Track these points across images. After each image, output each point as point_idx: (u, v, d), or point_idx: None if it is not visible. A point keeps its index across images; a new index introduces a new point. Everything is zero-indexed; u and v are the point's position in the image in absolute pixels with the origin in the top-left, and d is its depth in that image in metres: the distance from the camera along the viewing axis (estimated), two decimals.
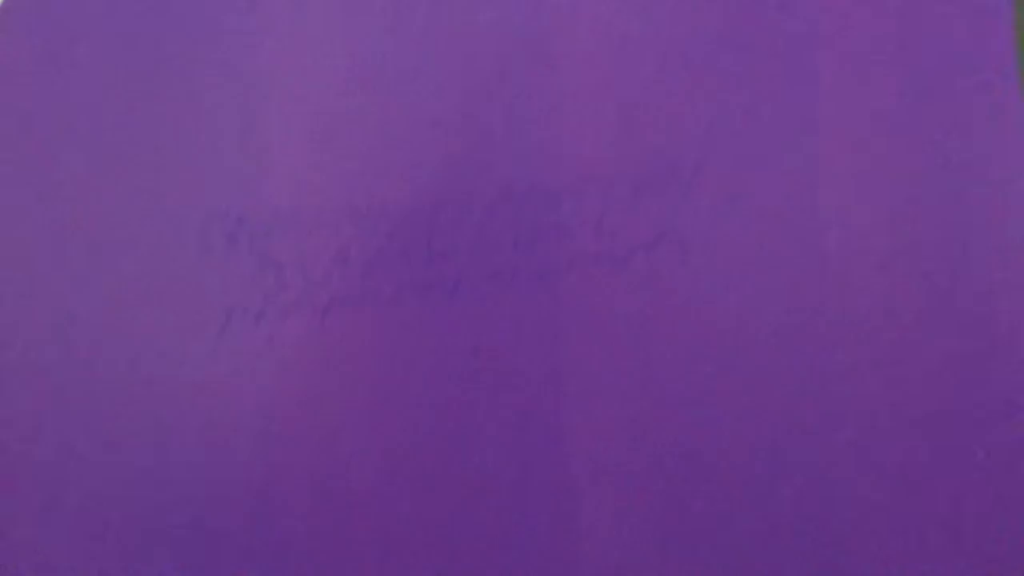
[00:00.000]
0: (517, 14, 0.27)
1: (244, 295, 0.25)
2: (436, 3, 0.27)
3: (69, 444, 0.25)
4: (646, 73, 0.27)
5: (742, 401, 0.27)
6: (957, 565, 0.25)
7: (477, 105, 0.27)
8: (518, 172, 0.27)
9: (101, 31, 0.26)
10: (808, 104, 0.28)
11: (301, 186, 0.26)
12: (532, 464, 0.26)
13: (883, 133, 0.29)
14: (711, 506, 0.26)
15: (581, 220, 0.27)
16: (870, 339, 0.26)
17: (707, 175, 0.27)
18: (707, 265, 0.27)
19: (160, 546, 0.25)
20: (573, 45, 0.27)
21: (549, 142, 0.27)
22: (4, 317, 0.25)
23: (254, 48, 0.26)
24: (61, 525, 0.25)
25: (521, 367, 0.26)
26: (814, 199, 0.28)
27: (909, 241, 0.27)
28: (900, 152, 0.28)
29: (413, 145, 0.26)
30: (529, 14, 0.27)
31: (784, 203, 0.27)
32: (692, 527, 0.26)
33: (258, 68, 0.26)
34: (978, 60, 0.27)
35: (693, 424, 0.27)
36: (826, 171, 0.28)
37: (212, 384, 0.25)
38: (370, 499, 0.26)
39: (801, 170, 0.28)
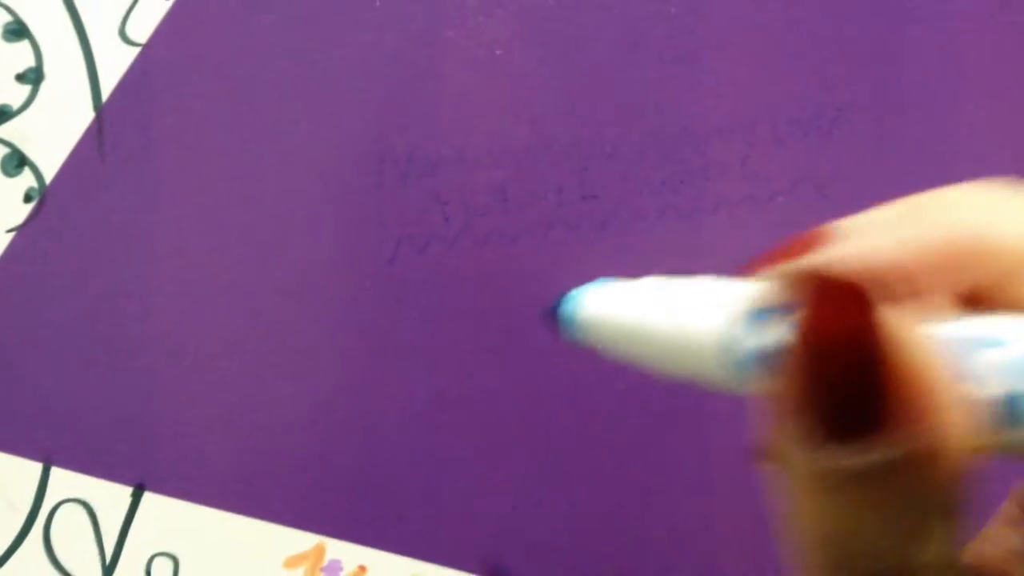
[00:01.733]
0: None
1: (412, 227, 0.27)
2: None
3: (249, 356, 0.27)
4: (791, 19, 0.28)
5: None
6: None
7: (629, 54, 0.28)
8: (667, 117, 0.28)
9: None
10: (949, 52, 0.28)
11: (466, 128, 0.27)
12: (675, 391, 0.28)
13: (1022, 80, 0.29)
14: None
15: (726, 163, 0.28)
16: None
17: (848, 121, 0.28)
18: (844, 211, 0.28)
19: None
20: None
21: (697, 88, 0.28)
22: (182, 240, 0.27)
23: None
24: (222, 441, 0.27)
25: None
26: (954, 146, 0.29)
27: None
28: None
29: (569, 90, 0.28)
30: None
31: (923, 150, 0.28)
32: None
33: (428, 14, 0.28)
34: None
35: None
36: (966, 118, 0.29)
37: (382, 307, 0.27)
38: (540, 422, 0.28)
39: (941, 117, 0.29)
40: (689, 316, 0.15)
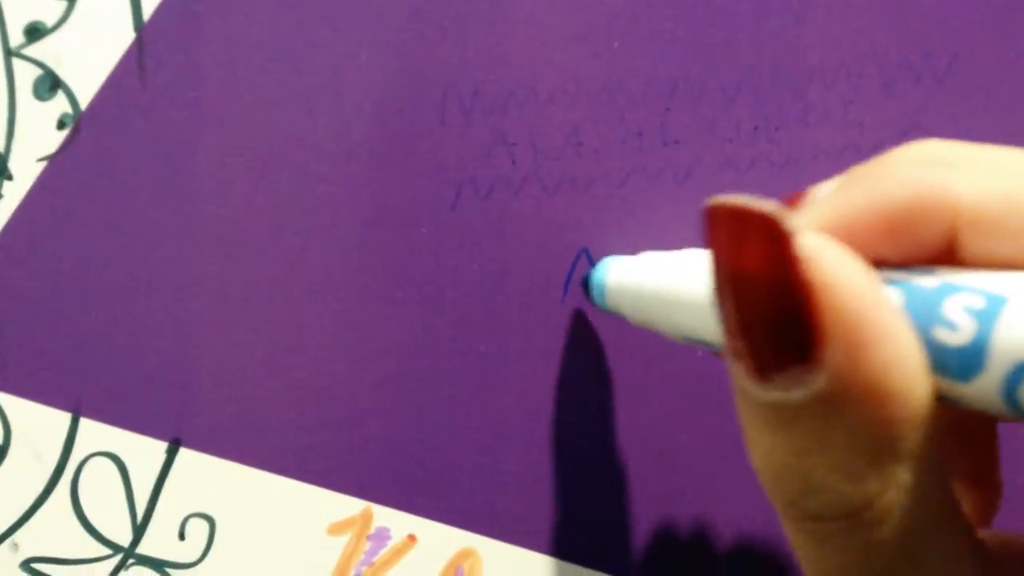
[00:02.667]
0: None
1: (476, 170, 0.25)
2: None
3: (296, 306, 0.25)
4: None
5: None
6: None
7: None
8: (762, 54, 0.25)
9: None
10: None
11: (537, 62, 0.25)
12: None
13: None
14: None
15: (827, 108, 0.25)
16: None
17: (963, 69, 0.26)
18: None
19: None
20: None
21: (797, 24, 0.25)
22: (233, 171, 0.25)
23: None
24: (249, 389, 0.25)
25: None
26: None
27: None
28: None
29: (652, 22, 0.25)
30: None
31: None
32: None
33: None
34: None
35: None
36: None
37: (442, 257, 0.25)
38: (609, 387, 0.25)
39: None
40: (692, 282, 0.16)
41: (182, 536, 0.25)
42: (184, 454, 0.25)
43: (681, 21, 0.25)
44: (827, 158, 0.25)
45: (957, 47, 0.25)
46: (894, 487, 0.11)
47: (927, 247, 0.12)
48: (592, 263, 0.25)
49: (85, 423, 0.25)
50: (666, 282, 0.18)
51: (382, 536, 0.25)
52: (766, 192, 0.25)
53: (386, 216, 0.25)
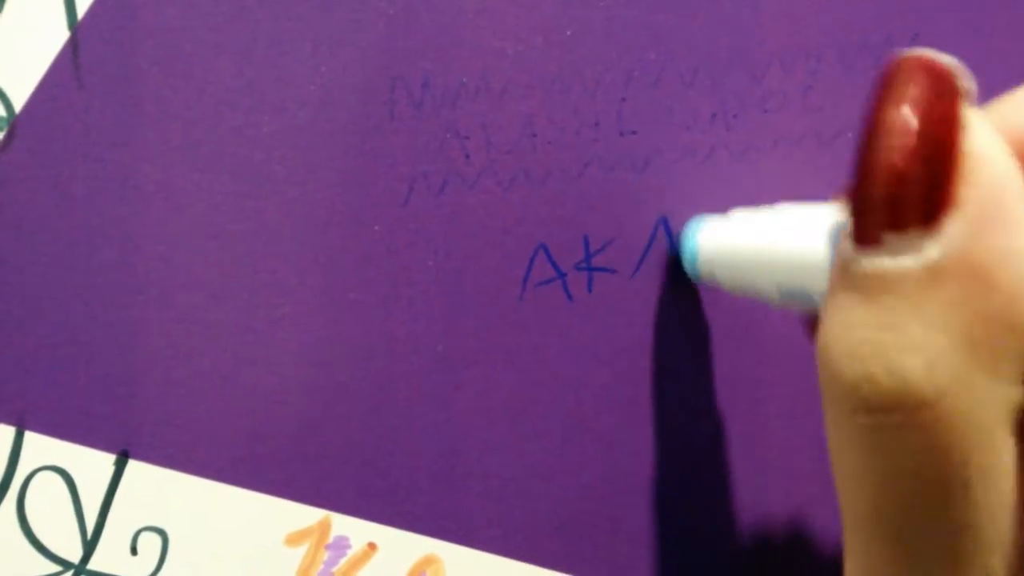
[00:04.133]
0: None
1: (428, 165, 0.24)
2: None
3: (244, 309, 0.24)
4: None
5: None
6: None
7: None
8: (718, 40, 0.25)
9: None
10: None
11: (489, 52, 0.24)
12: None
13: None
14: None
15: (786, 94, 0.25)
16: None
17: (926, 48, 0.25)
18: None
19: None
20: None
21: (754, 8, 0.25)
22: (180, 162, 0.24)
23: None
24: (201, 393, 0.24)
25: None
26: None
27: None
28: None
29: (606, 9, 0.24)
30: None
31: (1009, 83, 0.25)
32: None
33: None
34: None
35: None
36: None
37: (394, 255, 0.24)
38: (568, 384, 0.25)
39: (1022, 47, 0.25)
40: (802, 238, 0.16)
41: (134, 551, 0.24)
42: (134, 466, 0.24)
43: (635, 8, 0.24)
44: (787, 144, 0.25)
45: (919, 28, 0.25)
46: (969, 392, 0.10)
47: None
48: (670, 234, 0.25)
49: (30, 436, 0.24)
50: (764, 236, 0.18)
51: (341, 545, 0.24)
52: (724, 181, 0.25)
53: (336, 214, 0.24)
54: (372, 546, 0.24)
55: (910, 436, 0.11)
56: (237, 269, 0.24)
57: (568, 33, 0.24)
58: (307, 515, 0.24)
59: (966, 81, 0.11)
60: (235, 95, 0.24)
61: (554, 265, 0.24)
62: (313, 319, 0.24)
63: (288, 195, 0.24)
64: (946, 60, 0.11)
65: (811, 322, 0.21)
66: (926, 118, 0.11)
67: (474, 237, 0.24)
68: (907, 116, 0.11)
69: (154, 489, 0.24)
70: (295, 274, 0.24)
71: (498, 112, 0.24)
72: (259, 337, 0.24)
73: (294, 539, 0.24)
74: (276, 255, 0.24)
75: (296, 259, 0.24)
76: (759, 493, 0.25)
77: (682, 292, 0.25)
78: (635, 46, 0.24)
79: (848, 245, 0.11)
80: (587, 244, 0.25)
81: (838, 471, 0.12)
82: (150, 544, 0.24)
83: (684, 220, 0.25)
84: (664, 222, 0.25)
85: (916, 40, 0.25)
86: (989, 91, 0.25)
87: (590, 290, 0.25)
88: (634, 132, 0.25)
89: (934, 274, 0.10)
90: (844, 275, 0.11)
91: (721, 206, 0.24)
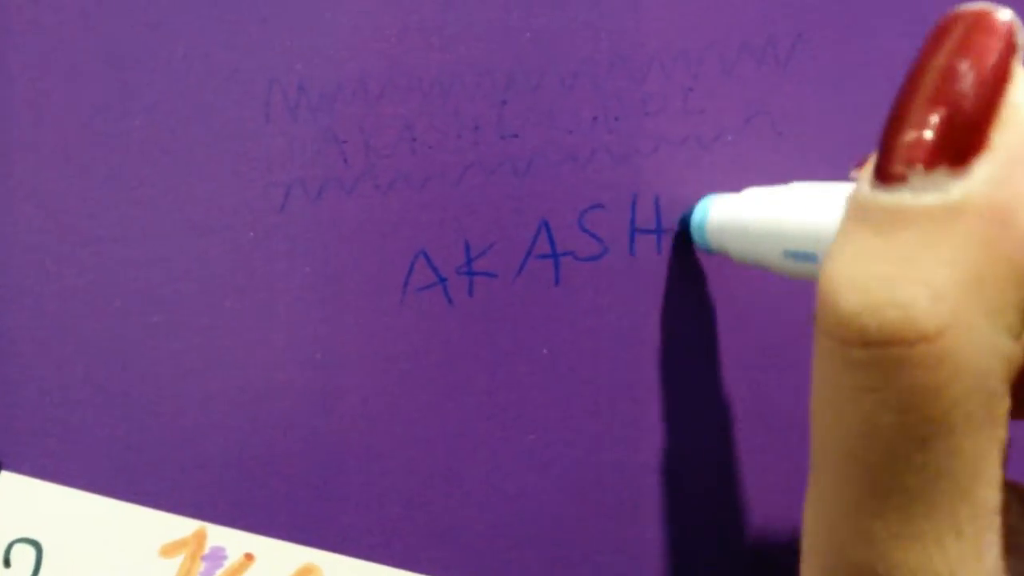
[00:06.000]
0: None
1: (305, 170, 0.24)
2: None
3: (116, 316, 0.24)
4: None
5: None
6: None
7: None
8: (599, 43, 0.24)
9: None
10: None
11: (366, 54, 0.24)
12: (602, 351, 0.25)
13: None
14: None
15: (666, 97, 0.24)
16: None
17: (807, 50, 0.25)
18: (801, 151, 0.25)
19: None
20: None
21: (635, 10, 0.24)
22: (60, 187, 0.23)
23: None
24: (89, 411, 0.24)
25: (597, 254, 0.25)
26: None
27: None
28: None
29: (485, 12, 0.24)
30: None
31: (891, 81, 0.25)
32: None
33: None
34: None
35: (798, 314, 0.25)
36: None
37: (270, 263, 0.24)
38: (452, 391, 0.24)
39: (909, 45, 0.25)
40: (814, 207, 0.18)
41: (7, 563, 0.24)
42: (6, 477, 0.24)
43: (515, 10, 0.24)
44: (669, 147, 0.25)
45: (801, 29, 0.25)
46: (968, 333, 0.10)
47: None
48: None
49: None
50: (772, 208, 0.19)
51: (217, 556, 0.24)
52: (608, 184, 0.25)
53: (210, 220, 0.24)
54: (249, 557, 0.24)
55: (903, 373, 0.11)
56: (109, 276, 0.23)
57: (447, 35, 0.24)
58: (182, 526, 0.24)
59: (1021, 37, 0.11)
60: (107, 98, 0.23)
61: (434, 270, 0.24)
62: (187, 327, 0.24)
63: (161, 200, 0.24)
64: (1005, 14, 0.11)
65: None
66: (978, 64, 0.11)
67: (353, 243, 0.24)
68: (958, 61, 0.11)
69: (27, 500, 0.24)
70: (168, 281, 0.24)
71: (376, 115, 0.24)
72: (131, 345, 0.24)
73: (169, 550, 0.24)
74: (149, 261, 0.24)
75: (169, 266, 0.24)
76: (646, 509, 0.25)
77: (568, 294, 0.25)
78: (515, 49, 0.24)
79: (866, 185, 0.11)
80: (468, 248, 0.24)
81: (817, 410, 0.12)
82: (23, 556, 0.24)
83: (565, 223, 0.24)
84: (545, 225, 0.24)
85: (799, 41, 0.25)
86: (871, 90, 0.25)
87: (471, 294, 0.24)
88: (515, 135, 0.24)
89: (953, 213, 0.10)
90: (858, 211, 0.11)
91: (606, 208, 0.24)
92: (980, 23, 0.11)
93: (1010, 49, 0.11)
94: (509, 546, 0.25)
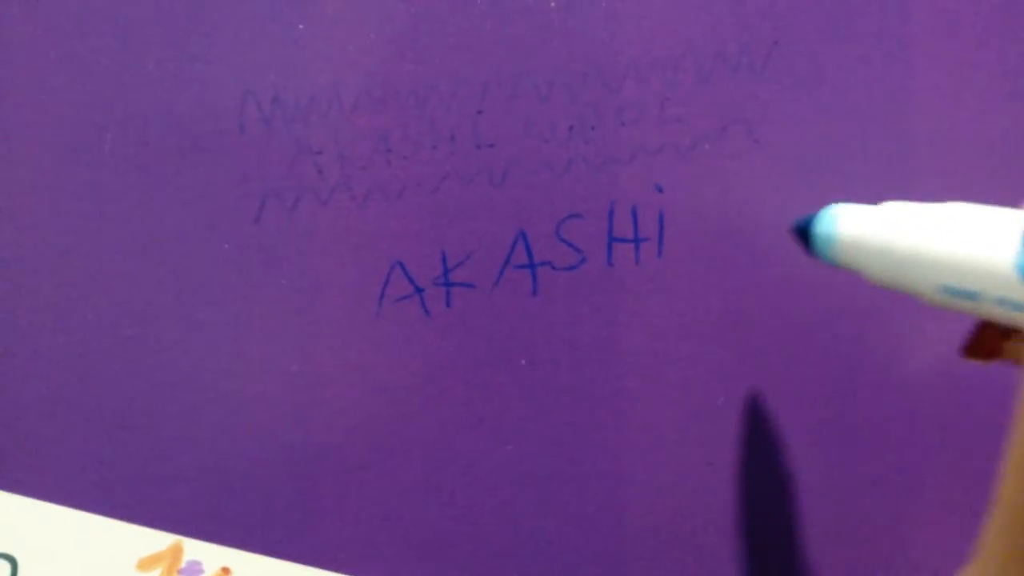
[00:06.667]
0: None
1: (280, 181, 0.24)
2: None
3: (91, 329, 0.24)
4: None
5: (818, 290, 0.25)
6: None
7: None
8: (574, 53, 0.24)
9: None
10: None
11: (340, 66, 0.24)
12: (585, 360, 0.25)
13: (974, 24, 0.26)
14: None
15: (643, 106, 0.24)
16: None
17: (782, 57, 0.25)
18: (778, 158, 0.25)
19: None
20: None
21: (610, 19, 0.24)
22: (32, 201, 0.23)
23: None
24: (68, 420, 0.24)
25: (574, 264, 0.24)
26: (897, 84, 0.25)
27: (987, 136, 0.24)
28: (988, 43, 0.25)
29: (460, 23, 0.24)
30: None
31: (864, 88, 0.25)
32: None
33: None
34: None
35: (773, 317, 0.25)
36: (911, 51, 0.25)
37: (246, 273, 0.24)
38: (429, 405, 0.24)
39: (884, 51, 0.25)
40: (980, 238, 0.16)
41: None
42: None
43: (489, 20, 0.24)
44: (645, 156, 0.24)
45: (776, 37, 0.25)
46: None
47: None
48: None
49: None
50: (930, 233, 0.17)
51: (194, 570, 0.24)
52: (585, 194, 0.25)
53: (184, 232, 0.24)
54: (226, 571, 0.24)
55: None
56: (83, 289, 0.23)
57: (421, 46, 0.24)
58: (159, 540, 0.24)
59: None
60: (80, 111, 0.23)
61: (411, 281, 0.24)
62: (162, 340, 0.24)
63: (134, 214, 0.23)
64: None
65: (979, 330, 0.20)
66: None
67: (328, 254, 0.24)
68: None
69: (3, 515, 0.24)
70: (142, 294, 0.23)
71: (351, 126, 0.24)
72: (107, 359, 0.23)
73: (146, 564, 0.24)
74: (122, 275, 0.23)
75: (143, 278, 0.23)
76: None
77: (546, 304, 0.24)
78: (490, 60, 0.24)
79: None
80: (445, 259, 0.24)
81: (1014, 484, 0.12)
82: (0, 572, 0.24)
83: (542, 233, 0.24)
84: (523, 235, 0.24)
85: (774, 48, 0.25)
86: (846, 96, 0.25)
87: (448, 305, 0.24)
88: (491, 145, 0.24)
89: None
90: None
91: (584, 217, 0.24)
92: None
93: None
94: (488, 556, 0.25)
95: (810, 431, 0.26)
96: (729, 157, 0.25)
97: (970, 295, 0.16)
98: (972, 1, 0.25)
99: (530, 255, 0.24)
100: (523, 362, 0.24)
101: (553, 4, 0.24)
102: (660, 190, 0.25)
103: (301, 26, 0.24)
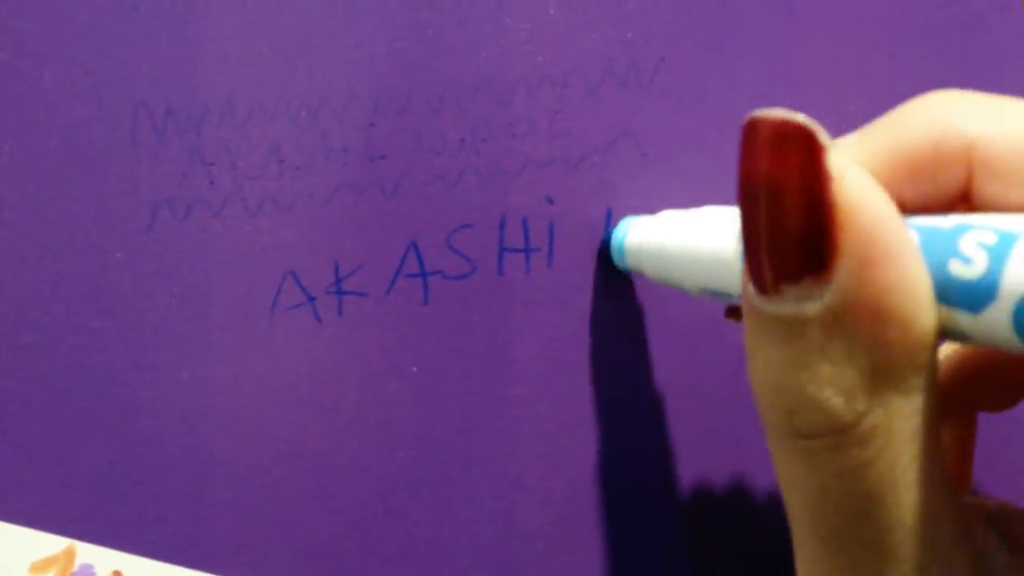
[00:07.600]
0: None
1: (172, 191, 0.24)
2: None
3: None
4: None
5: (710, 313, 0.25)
6: None
7: None
8: (465, 66, 0.25)
9: None
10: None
11: (233, 77, 0.24)
12: (489, 373, 0.25)
13: (859, 33, 0.26)
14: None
15: (533, 119, 0.25)
16: None
17: (670, 73, 0.25)
18: (666, 171, 0.25)
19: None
20: None
21: (500, 35, 0.25)
22: None
23: None
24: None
25: (465, 273, 0.25)
26: (785, 98, 0.26)
27: None
28: (880, 46, 0.26)
29: (351, 35, 0.24)
30: None
31: (752, 102, 0.25)
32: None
33: None
34: None
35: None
36: (797, 67, 0.26)
37: (137, 284, 0.24)
38: (319, 412, 0.25)
39: (772, 66, 0.26)
40: (717, 242, 0.18)
41: None
42: None
43: (381, 33, 0.24)
44: (535, 168, 0.25)
45: (664, 52, 0.25)
46: (884, 409, 0.11)
47: (944, 191, 0.13)
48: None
49: None
50: (686, 238, 0.19)
51: (86, 573, 0.24)
52: (475, 205, 0.25)
53: (77, 241, 0.24)
54: (117, 574, 0.24)
55: (838, 454, 0.12)
56: None
57: (314, 58, 0.24)
58: (52, 543, 0.24)
59: (824, 136, 0.11)
60: None
61: (303, 290, 0.25)
62: (54, 346, 0.24)
63: (27, 222, 0.24)
64: (800, 118, 0.11)
65: (730, 309, 0.22)
66: (790, 183, 0.11)
67: (220, 263, 0.24)
68: (780, 179, 0.11)
69: None
70: (35, 301, 0.24)
71: (243, 137, 0.24)
72: (0, 367, 0.24)
73: (39, 568, 0.24)
74: (16, 282, 0.24)
75: (36, 285, 0.24)
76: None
77: (437, 313, 0.25)
78: (382, 72, 0.24)
79: (752, 289, 0.12)
80: (337, 268, 0.25)
81: (781, 482, 0.13)
82: None
83: (433, 243, 0.25)
84: (414, 245, 0.25)
85: (662, 64, 0.25)
86: (733, 111, 0.26)
87: (340, 313, 0.25)
88: (383, 157, 0.25)
89: (834, 316, 0.11)
90: (755, 317, 0.12)
91: (475, 227, 0.25)
92: (782, 135, 0.11)
93: (820, 153, 0.11)
94: (379, 562, 0.25)
95: (706, 433, 0.26)
96: (618, 170, 0.25)
97: (724, 296, 0.18)
98: (857, 19, 0.26)
99: (422, 264, 0.25)
100: (414, 369, 0.25)
101: (445, 20, 0.25)
102: (550, 201, 0.25)
103: (194, 37, 0.24)
